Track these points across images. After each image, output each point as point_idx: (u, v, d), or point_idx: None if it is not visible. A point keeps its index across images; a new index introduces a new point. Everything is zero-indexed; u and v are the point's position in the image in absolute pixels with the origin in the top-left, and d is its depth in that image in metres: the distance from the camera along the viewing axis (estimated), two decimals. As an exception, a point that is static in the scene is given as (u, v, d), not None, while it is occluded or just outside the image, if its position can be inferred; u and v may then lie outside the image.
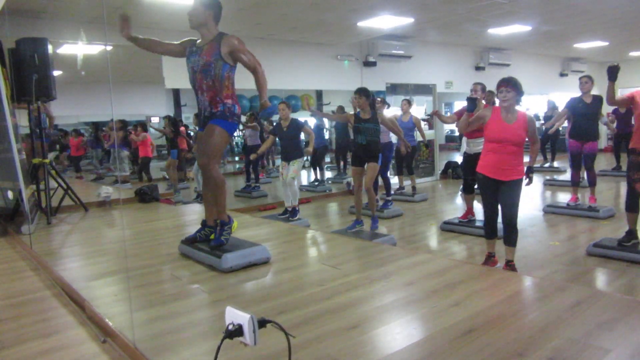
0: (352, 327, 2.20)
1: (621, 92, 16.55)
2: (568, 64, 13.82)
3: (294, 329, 2.10)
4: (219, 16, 3.33)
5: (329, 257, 3.39)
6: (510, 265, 3.90)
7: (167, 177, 9.78)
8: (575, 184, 6.51)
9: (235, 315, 1.52)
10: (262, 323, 1.55)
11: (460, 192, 8.88)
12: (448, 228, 5.84)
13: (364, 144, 5.22)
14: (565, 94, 13.62)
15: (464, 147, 5.94)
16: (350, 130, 6.16)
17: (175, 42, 3.43)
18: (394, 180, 8.28)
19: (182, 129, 9.23)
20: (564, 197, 7.68)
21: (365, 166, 5.37)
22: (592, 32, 9.88)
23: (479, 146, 5.31)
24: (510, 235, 3.88)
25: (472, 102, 3.89)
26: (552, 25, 8.89)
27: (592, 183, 6.38)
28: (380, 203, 6.85)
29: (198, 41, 3.36)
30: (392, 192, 7.46)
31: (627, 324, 2.12)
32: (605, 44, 11.27)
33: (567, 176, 9.70)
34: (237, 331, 1.50)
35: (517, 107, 3.84)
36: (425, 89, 11.10)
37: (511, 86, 3.75)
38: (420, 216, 6.94)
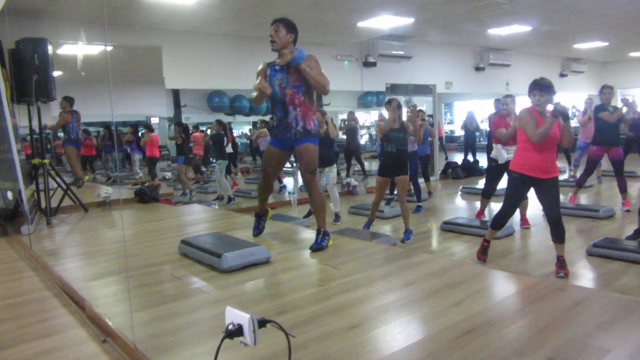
0: (352, 327, 2.20)
1: (621, 93, 16.54)
2: (568, 64, 13.83)
3: (294, 329, 2.10)
4: (297, 38, 3.64)
5: (329, 257, 3.39)
6: (560, 261, 4.05)
7: (167, 177, 9.82)
8: (580, 185, 6.75)
9: (235, 315, 1.51)
10: (262, 323, 1.55)
11: (459, 192, 8.91)
12: (448, 228, 5.84)
13: (394, 152, 5.36)
14: (565, 94, 13.69)
15: (503, 156, 5.57)
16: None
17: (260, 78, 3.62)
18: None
19: (200, 134, 9.36)
20: (563, 197, 7.68)
21: (396, 180, 5.51)
22: (592, 32, 9.89)
23: (510, 154, 5.39)
24: (558, 232, 3.98)
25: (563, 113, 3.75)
26: (552, 25, 8.90)
27: (622, 189, 6.43)
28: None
29: (277, 60, 3.59)
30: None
31: (627, 324, 2.12)
32: (605, 44, 11.28)
33: (566, 176, 9.71)
34: (237, 331, 1.50)
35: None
36: (425, 89, 11.09)
37: (545, 89, 3.78)
38: (420, 216, 6.94)
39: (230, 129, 10.77)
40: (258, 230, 4.01)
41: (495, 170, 5.79)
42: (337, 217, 6.63)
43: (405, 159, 5.47)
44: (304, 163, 3.59)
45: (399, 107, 5.37)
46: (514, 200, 4.14)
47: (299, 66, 3.42)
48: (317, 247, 3.53)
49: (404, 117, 7.72)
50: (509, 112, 5.50)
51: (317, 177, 6.56)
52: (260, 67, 3.66)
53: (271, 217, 4.41)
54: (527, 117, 3.90)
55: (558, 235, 3.99)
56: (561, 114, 3.68)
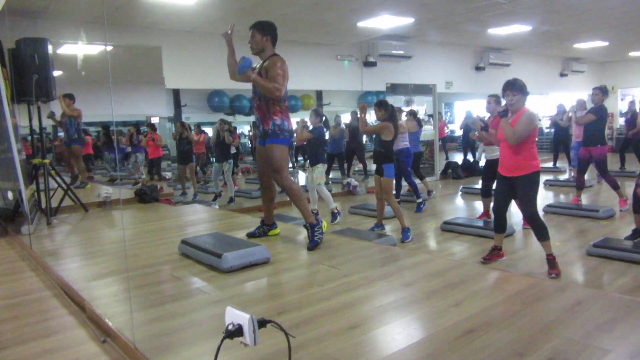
0: (352, 327, 2.20)
1: (621, 92, 16.53)
2: (568, 64, 13.83)
3: (294, 329, 2.10)
4: (276, 38, 3.65)
5: (329, 257, 3.39)
6: (549, 259, 4.04)
7: (167, 177, 9.81)
8: (579, 187, 6.74)
9: (235, 315, 1.52)
10: (262, 323, 1.55)
11: (459, 192, 8.91)
12: (448, 228, 5.84)
13: (373, 152, 5.59)
14: (565, 94, 13.69)
15: (482, 155, 6.05)
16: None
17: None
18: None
19: (203, 135, 9.37)
20: (564, 198, 7.69)
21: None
22: (592, 32, 9.89)
23: (494, 152, 5.46)
24: (535, 229, 4.00)
25: (505, 112, 3.96)
26: (552, 25, 8.90)
27: (614, 187, 6.44)
28: None
29: (258, 64, 3.66)
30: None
31: (627, 324, 2.12)
32: (605, 44, 11.28)
33: (566, 176, 9.72)
34: (237, 331, 1.50)
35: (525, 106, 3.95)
36: (425, 89, 11.10)
37: (516, 89, 3.86)
38: (420, 216, 6.94)
39: (235, 129, 10.78)
40: (252, 233, 4.01)
41: (487, 167, 5.92)
42: (334, 215, 6.53)
43: (381, 159, 5.38)
44: (269, 163, 3.72)
45: (387, 109, 5.39)
46: (497, 197, 4.22)
47: (246, 74, 3.47)
48: (312, 245, 3.55)
49: (404, 119, 7.73)
50: (492, 111, 5.55)
51: (310, 176, 6.56)
52: None
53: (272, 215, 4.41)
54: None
55: (536, 232, 4.00)
56: (499, 112, 3.92)
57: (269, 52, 3.61)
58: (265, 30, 3.59)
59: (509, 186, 4.08)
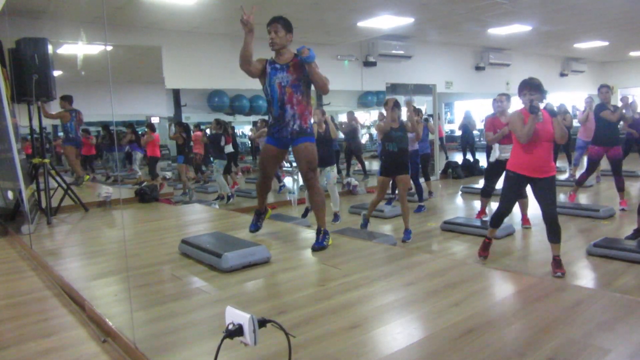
0: (352, 327, 2.20)
1: (621, 92, 16.51)
2: (568, 64, 13.83)
3: (294, 329, 2.10)
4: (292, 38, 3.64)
5: (329, 257, 3.39)
6: (556, 260, 4.06)
7: (167, 177, 9.83)
8: (579, 183, 6.79)
9: (235, 315, 1.52)
10: (262, 323, 1.55)
11: (459, 192, 8.91)
12: (448, 228, 5.84)
13: (396, 151, 5.36)
14: (565, 93, 13.69)
15: (495, 154, 5.75)
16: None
17: (256, 62, 3.61)
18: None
19: (199, 133, 9.37)
20: (563, 197, 7.68)
21: (397, 179, 5.48)
22: (592, 32, 9.89)
23: (508, 152, 5.39)
24: (554, 232, 3.99)
25: (554, 112, 3.88)
26: (552, 25, 8.90)
27: (620, 188, 6.47)
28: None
29: (276, 59, 3.59)
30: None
31: (627, 324, 2.12)
32: (605, 44, 11.28)
33: (566, 175, 9.71)
34: (237, 331, 1.50)
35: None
36: (425, 89, 11.10)
37: (534, 89, 3.81)
38: (420, 216, 6.94)
39: (233, 128, 10.78)
40: (255, 227, 4.03)
41: (492, 167, 5.84)
42: (336, 216, 6.65)
43: (406, 158, 5.46)
44: (306, 162, 3.61)
45: (397, 106, 5.37)
46: (509, 198, 4.17)
47: (309, 65, 3.41)
48: (319, 247, 3.54)
49: (404, 116, 7.74)
50: (502, 110, 5.54)
51: (324, 177, 6.60)
52: (259, 58, 3.64)
53: (270, 216, 4.43)
54: (515, 119, 3.93)
55: (554, 234, 4.00)
56: (549, 110, 3.78)
57: (292, 51, 3.58)
58: (289, 28, 3.58)
59: (524, 187, 4.07)
